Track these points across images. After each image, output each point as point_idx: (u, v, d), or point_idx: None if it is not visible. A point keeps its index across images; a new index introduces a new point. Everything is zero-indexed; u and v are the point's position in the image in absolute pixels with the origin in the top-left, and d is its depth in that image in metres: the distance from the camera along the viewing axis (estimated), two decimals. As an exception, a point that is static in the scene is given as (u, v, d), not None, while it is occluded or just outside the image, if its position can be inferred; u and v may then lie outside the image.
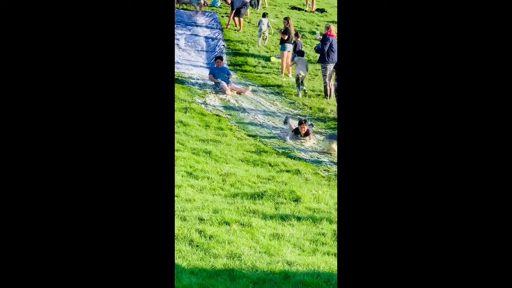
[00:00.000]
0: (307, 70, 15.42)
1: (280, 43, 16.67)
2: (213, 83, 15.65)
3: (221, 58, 16.48)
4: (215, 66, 16.16)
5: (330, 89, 14.71)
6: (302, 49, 16.44)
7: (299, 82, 14.98)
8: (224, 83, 15.22)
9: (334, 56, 14.64)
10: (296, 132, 12.12)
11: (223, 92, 15.07)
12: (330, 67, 14.66)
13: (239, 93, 15.17)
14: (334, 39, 14.72)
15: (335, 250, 6.86)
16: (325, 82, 14.80)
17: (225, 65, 16.59)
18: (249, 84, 15.78)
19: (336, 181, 10.09)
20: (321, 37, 15.20)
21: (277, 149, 11.59)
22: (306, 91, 15.08)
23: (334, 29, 15.13)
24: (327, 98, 14.69)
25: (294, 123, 12.63)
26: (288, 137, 11.59)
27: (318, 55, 15.42)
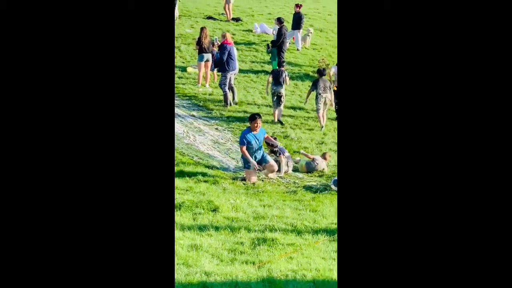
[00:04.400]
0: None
1: (198, 53, 16.60)
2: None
3: (258, 115, 10.58)
4: (249, 130, 10.31)
5: (233, 98, 14.67)
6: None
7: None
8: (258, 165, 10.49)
9: (234, 64, 14.69)
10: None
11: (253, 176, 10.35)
12: (231, 75, 14.66)
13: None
14: (231, 47, 14.78)
15: (253, 258, 6.90)
16: (224, 91, 14.69)
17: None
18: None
19: (254, 191, 10.14)
20: (218, 44, 15.27)
21: (195, 160, 11.56)
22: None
23: (229, 36, 15.19)
24: (226, 107, 14.61)
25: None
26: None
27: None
